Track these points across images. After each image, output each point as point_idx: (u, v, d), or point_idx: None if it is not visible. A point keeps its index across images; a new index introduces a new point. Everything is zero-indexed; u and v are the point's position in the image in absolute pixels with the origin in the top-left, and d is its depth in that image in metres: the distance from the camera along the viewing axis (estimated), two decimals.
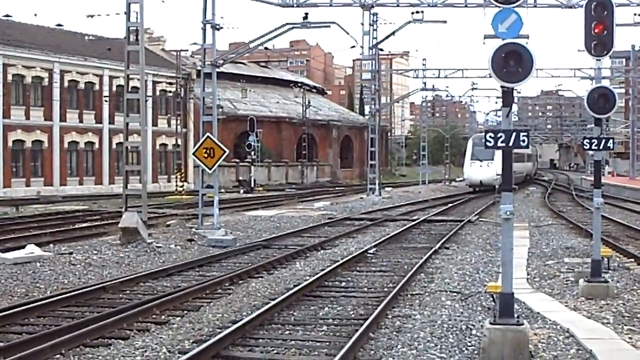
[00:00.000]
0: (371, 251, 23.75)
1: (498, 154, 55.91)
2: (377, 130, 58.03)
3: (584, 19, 15.05)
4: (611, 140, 16.77)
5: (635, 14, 41.13)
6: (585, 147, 16.75)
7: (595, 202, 16.22)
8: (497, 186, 52.49)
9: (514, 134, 11.17)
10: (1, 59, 61.45)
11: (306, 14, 32.46)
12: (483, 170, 64.52)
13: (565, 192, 66.94)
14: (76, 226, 32.74)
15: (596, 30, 14.99)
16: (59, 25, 73.48)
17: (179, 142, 71.91)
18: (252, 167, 71.47)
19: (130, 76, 30.28)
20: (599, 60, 16.17)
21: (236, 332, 12.38)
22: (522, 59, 10.87)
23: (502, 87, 11.45)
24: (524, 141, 11.15)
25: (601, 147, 16.22)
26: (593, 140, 16.13)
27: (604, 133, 19.03)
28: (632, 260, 21.25)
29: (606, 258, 18.33)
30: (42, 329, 13.13)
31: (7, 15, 70.46)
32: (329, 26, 32.99)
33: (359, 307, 15.14)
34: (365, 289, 17.43)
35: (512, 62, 10.88)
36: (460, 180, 78.30)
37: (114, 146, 69.94)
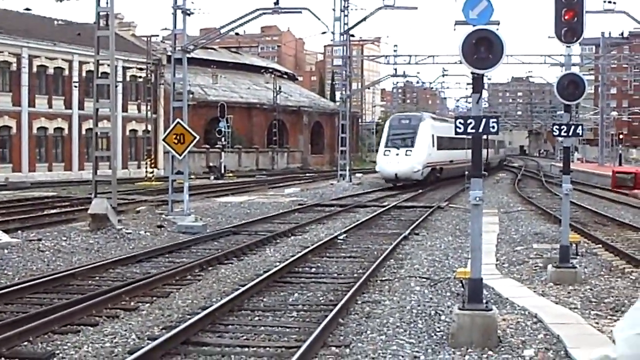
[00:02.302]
0: (341, 237, 23.77)
1: (421, 140, 49.12)
2: (348, 116, 58.09)
3: (554, 5, 15.12)
4: (580, 127, 16.88)
5: (604, 1, 41.35)
6: (554, 133, 16.85)
7: (564, 188, 16.33)
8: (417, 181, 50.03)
9: (484, 120, 11.21)
10: None
11: None
12: (400, 160, 50.34)
13: (535, 178, 67.28)
14: (45, 212, 32.53)
15: (566, 17, 15.06)
16: (28, 9, 72.64)
17: (149, 128, 71.60)
18: (223, 153, 71.26)
19: (100, 62, 30.13)
20: (569, 47, 16.30)
21: (206, 318, 12.37)
22: (493, 45, 10.91)
23: (472, 73, 11.49)
24: (493, 127, 11.20)
25: (570, 134, 16.31)
26: (562, 127, 16.22)
27: (573, 120, 19.07)
28: (600, 246, 21.43)
29: (574, 244, 18.49)
30: (10, 315, 13.06)
31: None
32: (300, 12, 33.04)
33: (328, 293, 15.17)
34: (335, 275, 17.46)
35: (483, 49, 10.93)
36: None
37: (83, 132, 69.47)
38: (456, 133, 11.61)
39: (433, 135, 52.39)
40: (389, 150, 51.65)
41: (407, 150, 50.58)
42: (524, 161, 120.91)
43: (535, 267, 18.05)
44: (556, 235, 21.80)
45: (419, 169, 49.94)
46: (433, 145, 52.38)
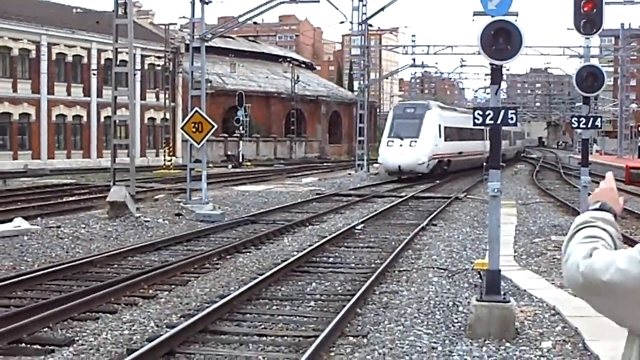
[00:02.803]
0: (359, 227, 23.79)
1: (427, 130, 46.54)
2: (366, 106, 58.04)
3: None
4: (599, 119, 16.87)
5: None
6: (573, 125, 16.84)
7: (582, 180, 16.33)
8: (422, 173, 47.70)
9: (503, 111, 11.20)
10: None
11: None
12: (404, 151, 47.21)
13: (553, 170, 67.04)
14: (64, 200, 32.70)
15: (585, 9, 15.02)
16: None
17: (167, 116, 71.75)
18: (241, 142, 71.38)
19: (119, 50, 30.18)
20: (588, 38, 16.26)
21: (224, 306, 12.41)
22: (511, 36, 10.89)
23: (491, 64, 11.47)
24: (512, 119, 11.19)
25: (589, 126, 16.30)
26: (581, 119, 16.21)
27: (592, 112, 19.08)
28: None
29: None
30: (30, 302, 13.15)
31: None
32: (318, 1, 33.05)
33: (346, 282, 15.20)
34: (353, 265, 17.49)
35: (501, 40, 10.91)
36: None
37: (102, 120, 69.70)
38: (474, 124, 11.58)
39: (440, 125, 50.00)
40: (392, 141, 48.60)
41: (411, 141, 47.67)
42: (542, 153, 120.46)
43: (553, 259, 18.00)
44: None
45: (424, 160, 47.36)
46: (440, 136, 49.84)
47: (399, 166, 47.11)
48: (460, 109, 67.09)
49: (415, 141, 47.52)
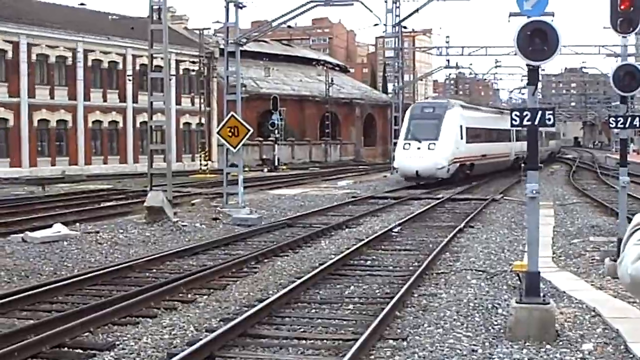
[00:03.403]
0: (396, 230, 23.76)
1: (447, 132, 42.90)
2: (401, 108, 57.88)
3: None
4: (637, 119, 16.69)
5: None
6: (611, 125, 16.70)
7: (621, 180, 16.17)
8: (441, 178, 43.66)
9: (540, 112, 11.15)
10: (26, 39, 61.68)
11: None
12: (422, 155, 43.29)
13: (590, 170, 66.52)
14: (102, 205, 32.90)
15: (622, 7, 14.89)
16: (82, 4, 73.46)
17: (203, 121, 72.05)
18: (276, 146, 71.57)
19: (154, 55, 30.38)
20: (625, 37, 16.10)
21: (263, 310, 12.44)
22: (548, 37, 10.84)
23: (527, 65, 11.42)
24: (549, 119, 11.14)
25: (627, 125, 16.14)
26: (619, 119, 16.05)
27: (630, 111, 18.81)
28: None
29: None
30: (71, 307, 13.26)
31: None
32: (352, 4, 32.99)
33: (384, 285, 15.18)
34: (391, 268, 17.46)
35: (538, 40, 10.86)
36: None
37: (137, 125, 70.13)
38: (512, 125, 11.54)
39: (462, 126, 45.81)
40: (409, 144, 44.29)
41: (430, 144, 43.55)
42: (579, 153, 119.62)
43: (592, 260, 17.88)
44: (613, 228, 21.57)
45: (444, 165, 43.32)
46: (462, 138, 45.56)
47: (417, 171, 43.11)
48: (484, 107, 64.09)
49: (434, 143, 43.58)
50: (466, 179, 46.42)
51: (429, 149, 43.34)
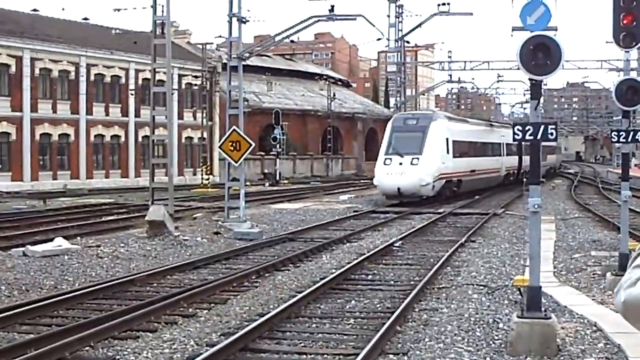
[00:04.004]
0: (397, 244, 23.72)
1: (432, 145, 39.30)
2: None
3: (612, 9, 14.96)
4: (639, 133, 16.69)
5: None
6: (613, 139, 16.68)
7: (622, 194, 16.13)
8: (425, 197, 40.19)
9: (542, 126, 11.13)
10: (29, 53, 61.79)
11: (332, 6, 32.53)
12: (404, 171, 39.37)
13: (592, 184, 66.42)
14: (103, 219, 32.87)
15: (625, 22, 14.89)
16: (86, 19, 73.83)
17: (205, 135, 72.07)
18: (278, 160, 71.53)
19: (157, 69, 30.40)
20: (628, 51, 16.08)
21: (263, 325, 12.41)
22: (551, 51, 10.83)
23: (530, 79, 11.41)
24: (552, 134, 11.12)
25: (629, 140, 16.12)
26: (621, 133, 16.04)
27: (632, 125, 18.79)
28: None
29: (634, 251, 18.21)
30: (71, 321, 13.22)
31: (35, 10, 70.98)
32: (355, 19, 33.00)
33: (385, 300, 15.14)
34: (392, 282, 17.43)
35: (541, 55, 10.85)
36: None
37: (139, 139, 70.19)
38: (514, 140, 11.51)
39: (448, 139, 42.25)
40: (390, 159, 40.46)
41: (413, 158, 39.72)
42: (580, 167, 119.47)
43: (593, 274, 17.84)
44: (615, 243, 21.53)
45: (428, 181, 39.52)
46: (448, 152, 42.05)
47: (398, 188, 39.21)
48: (472, 120, 60.20)
49: (418, 158, 39.75)
50: (453, 197, 43.32)
51: (412, 164, 39.60)
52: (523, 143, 55.26)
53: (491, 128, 54.62)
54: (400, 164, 39.68)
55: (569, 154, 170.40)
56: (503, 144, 54.30)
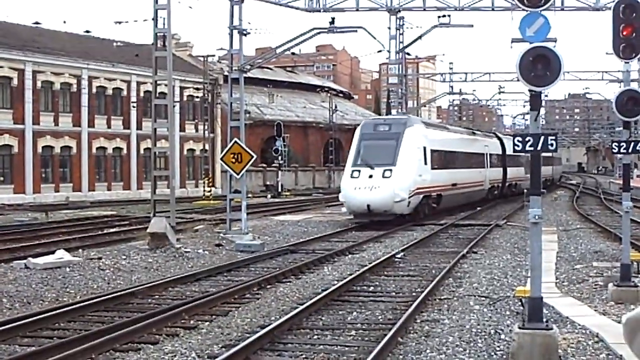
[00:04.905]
0: (399, 256, 23.70)
1: (407, 155, 34.90)
2: None
3: (612, 21, 14.97)
4: None
5: None
6: (614, 150, 16.66)
7: (624, 205, 16.11)
8: (398, 215, 34.35)
9: (543, 137, 11.14)
10: (31, 66, 61.87)
11: (333, 18, 32.49)
12: (375, 184, 33.58)
13: (594, 195, 66.38)
14: (105, 231, 32.90)
15: (625, 33, 14.90)
16: (88, 32, 73.93)
17: (207, 147, 72.11)
18: (280, 172, 71.58)
19: (158, 82, 30.44)
20: (628, 62, 16.09)
21: (265, 336, 12.40)
22: (550, 62, 10.83)
23: (530, 90, 11.42)
24: (552, 145, 11.12)
25: (630, 150, 16.11)
26: (622, 144, 16.03)
27: (633, 136, 18.90)
28: None
29: (636, 262, 18.22)
30: (73, 333, 13.23)
31: (37, 23, 71.02)
32: (355, 31, 32.99)
33: (387, 311, 15.13)
34: (394, 294, 17.41)
35: (540, 66, 10.85)
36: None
37: (141, 152, 70.25)
38: (514, 151, 11.51)
39: (425, 148, 36.67)
40: (359, 171, 34.44)
41: (385, 170, 33.87)
42: (582, 178, 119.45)
43: (595, 285, 17.81)
44: (617, 254, 21.51)
45: (403, 197, 33.70)
46: (426, 163, 36.49)
47: (368, 206, 33.31)
48: (452, 127, 54.43)
49: (391, 170, 33.93)
50: (432, 214, 38.23)
51: (383, 176, 33.76)
52: (507, 154, 54.08)
53: (474, 137, 50.59)
54: (371, 176, 33.93)
55: (571, 165, 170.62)
56: (487, 154, 50.11)
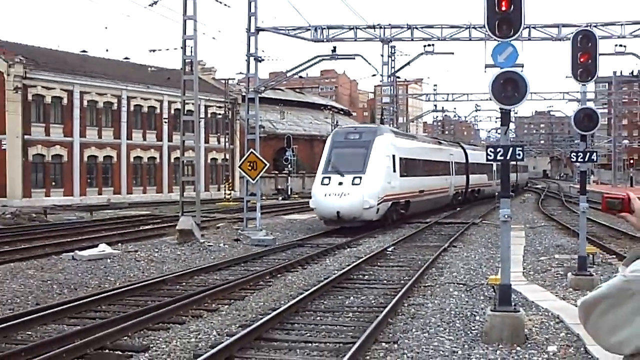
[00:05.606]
0: (390, 249, 23.69)
1: (377, 163, 31.77)
2: None
3: (571, 49, 15.00)
4: (595, 154, 16.73)
5: (616, 45, 40.82)
6: (572, 159, 16.68)
7: (581, 206, 16.11)
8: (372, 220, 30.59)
9: (511, 148, 11.15)
10: (78, 88, 61.94)
11: (334, 47, 32.49)
12: (344, 191, 29.83)
13: (556, 198, 66.29)
14: (140, 228, 32.90)
15: (582, 60, 14.92)
16: (127, 58, 74.07)
17: (227, 156, 72.14)
18: (289, 178, 71.57)
19: (186, 101, 30.48)
20: (584, 85, 16.10)
21: (275, 318, 12.40)
22: (518, 84, 10.86)
23: (500, 109, 11.44)
24: (519, 155, 11.14)
25: (586, 160, 16.13)
26: (579, 154, 16.04)
27: (589, 147, 18.80)
28: (614, 256, 21.07)
29: (591, 255, 18.21)
30: (112, 315, 13.23)
31: (84, 51, 71.21)
32: (353, 58, 33.02)
33: (379, 296, 15.11)
34: (385, 281, 17.39)
35: (510, 88, 10.88)
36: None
37: (172, 160, 70.18)
38: (487, 160, 11.51)
39: (394, 156, 32.99)
40: (329, 178, 30.69)
41: (355, 177, 30.26)
42: (547, 183, 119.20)
43: (556, 274, 17.81)
44: (575, 247, 21.48)
45: (372, 204, 29.98)
46: (394, 170, 32.81)
47: (338, 212, 29.59)
48: (420, 136, 50.80)
49: (360, 177, 30.29)
50: (400, 220, 34.57)
51: (353, 184, 30.14)
52: (470, 162, 52.38)
53: (440, 146, 47.00)
54: (340, 183, 30.18)
55: (537, 172, 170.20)
56: (452, 162, 46.67)
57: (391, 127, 42.84)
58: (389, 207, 32.15)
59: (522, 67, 11.47)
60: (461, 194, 49.38)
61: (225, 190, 64.71)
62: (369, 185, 30.15)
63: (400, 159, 33.82)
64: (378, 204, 30.41)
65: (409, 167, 35.46)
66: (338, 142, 32.55)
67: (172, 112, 69.66)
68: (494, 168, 54.70)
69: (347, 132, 33.86)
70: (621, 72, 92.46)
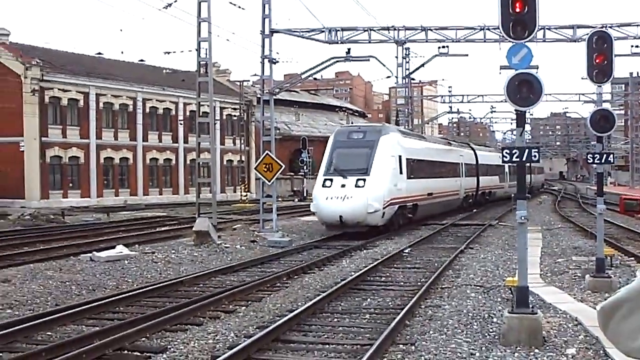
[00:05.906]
0: (406, 251, 23.67)
1: (382, 164, 30.00)
2: None
3: (586, 51, 14.97)
4: (611, 155, 16.68)
5: (632, 46, 40.67)
6: (589, 161, 16.65)
7: (598, 208, 16.08)
8: (377, 225, 28.73)
9: (527, 149, 11.15)
10: (94, 90, 62.22)
11: (349, 49, 32.50)
12: (347, 194, 27.99)
13: (573, 199, 66.04)
14: (157, 230, 33.01)
15: (597, 61, 14.90)
16: (142, 60, 74.07)
17: (243, 158, 72.27)
18: (305, 179, 71.59)
19: (201, 103, 30.58)
20: (600, 86, 16.07)
21: (293, 319, 12.42)
22: (533, 86, 10.86)
23: (516, 110, 11.44)
24: (535, 156, 11.13)
25: (603, 161, 16.10)
26: (596, 156, 16.01)
27: (605, 149, 18.77)
28: (632, 258, 20.97)
29: (609, 257, 18.15)
30: (130, 316, 13.30)
31: (99, 53, 71.29)
32: (368, 60, 32.98)
33: (396, 298, 15.12)
34: (402, 283, 17.39)
35: (525, 89, 10.88)
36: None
37: (188, 162, 70.38)
38: (503, 162, 11.49)
39: (401, 157, 30.91)
40: (331, 180, 28.81)
41: (358, 179, 28.26)
42: (563, 185, 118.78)
43: (574, 276, 17.75)
44: (593, 249, 21.39)
45: (377, 208, 28.04)
46: (401, 172, 30.71)
47: (341, 217, 27.90)
48: (429, 136, 50.12)
49: (364, 179, 28.27)
50: (407, 225, 32.57)
51: (357, 186, 28.16)
52: (480, 164, 51.90)
53: (449, 147, 45.36)
54: (343, 186, 28.27)
55: (554, 173, 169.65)
56: (462, 164, 44.80)
57: (398, 127, 41.39)
58: (396, 211, 30.22)
59: (537, 68, 11.47)
60: (472, 196, 47.64)
61: (241, 191, 64.83)
62: (373, 187, 28.26)
63: (408, 159, 31.88)
64: (383, 208, 28.53)
65: (416, 168, 33.51)
66: (340, 142, 30.43)
67: (188, 113, 69.87)
68: (506, 170, 54.05)
69: (350, 131, 31.66)
70: (637, 73, 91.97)
